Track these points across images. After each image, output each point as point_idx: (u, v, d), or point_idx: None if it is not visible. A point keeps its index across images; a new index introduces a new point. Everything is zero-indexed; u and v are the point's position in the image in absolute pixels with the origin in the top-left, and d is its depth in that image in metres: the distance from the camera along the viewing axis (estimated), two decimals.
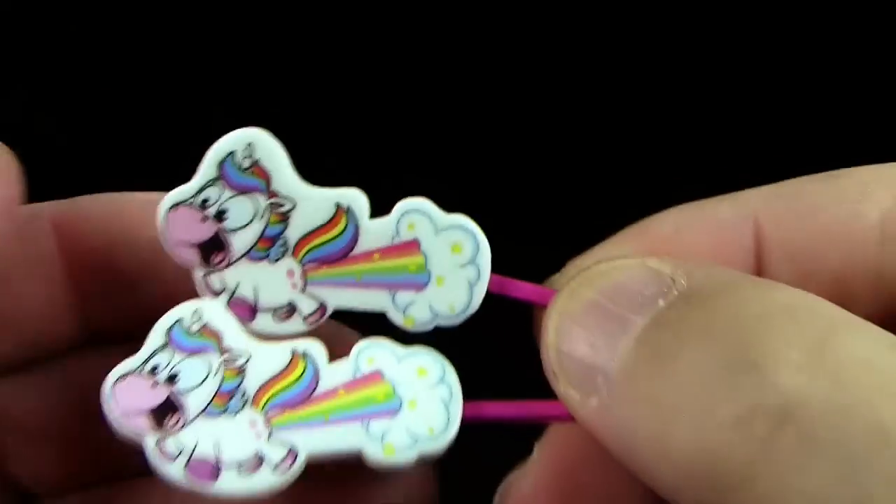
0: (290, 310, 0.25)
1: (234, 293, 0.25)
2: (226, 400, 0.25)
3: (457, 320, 0.25)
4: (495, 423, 0.26)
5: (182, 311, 0.25)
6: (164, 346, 0.25)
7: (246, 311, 0.25)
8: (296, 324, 0.25)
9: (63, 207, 0.27)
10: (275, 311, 0.25)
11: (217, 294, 0.25)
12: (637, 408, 0.21)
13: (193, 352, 0.25)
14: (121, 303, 0.27)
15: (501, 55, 0.33)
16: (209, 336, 0.25)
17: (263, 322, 0.25)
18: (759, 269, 0.25)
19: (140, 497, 0.28)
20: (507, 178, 0.33)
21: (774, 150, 0.32)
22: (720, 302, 0.21)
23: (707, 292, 0.22)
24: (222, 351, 0.25)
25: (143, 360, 0.25)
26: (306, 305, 0.25)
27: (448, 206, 0.25)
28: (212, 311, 0.25)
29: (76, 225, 0.27)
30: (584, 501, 0.25)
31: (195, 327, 0.25)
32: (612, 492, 0.25)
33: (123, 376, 0.25)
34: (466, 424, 0.25)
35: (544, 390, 0.26)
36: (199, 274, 0.25)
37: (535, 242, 0.29)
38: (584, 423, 0.22)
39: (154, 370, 0.25)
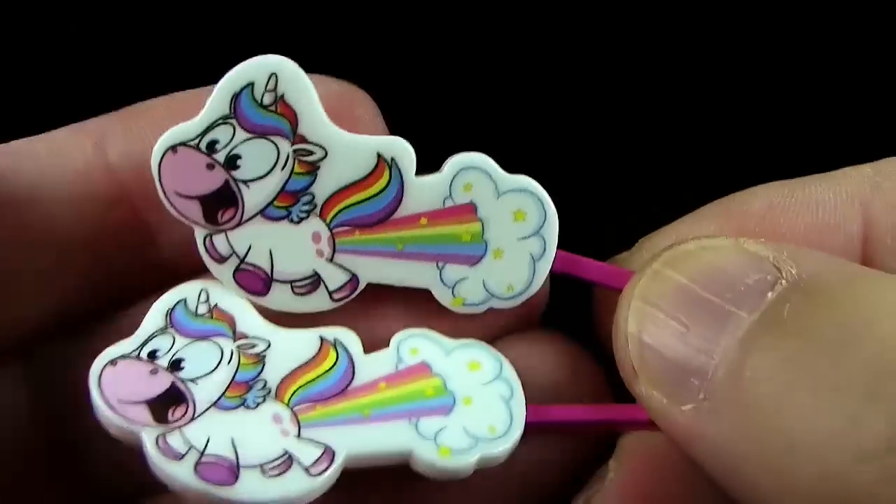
0: (314, 282, 0.21)
1: (243, 259, 0.20)
2: (243, 391, 0.20)
3: (513, 303, 0.21)
4: (561, 429, 0.22)
5: (185, 290, 0.21)
6: (163, 330, 0.20)
7: (258, 282, 0.21)
8: (320, 300, 0.21)
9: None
10: (294, 284, 0.21)
11: (223, 260, 0.20)
12: (747, 423, 0.17)
13: (201, 336, 0.20)
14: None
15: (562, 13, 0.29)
16: (219, 319, 0.20)
17: (279, 296, 0.21)
18: (865, 259, 0.22)
19: None
20: (560, 134, 0.28)
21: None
22: (847, 299, 0.17)
23: (828, 287, 0.18)
24: (236, 336, 0.20)
25: (139, 344, 0.20)
26: (334, 278, 0.21)
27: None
28: (222, 292, 0.21)
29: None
30: None
31: (202, 309, 0.20)
32: None
33: (114, 361, 0.20)
34: (529, 430, 0.21)
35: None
36: (200, 234, 0.20)
37: (591, 215, 0.25)
38: (673, 433, 0.19)
39: (153, 355, 0.20)
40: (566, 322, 0.23)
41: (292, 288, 0.21)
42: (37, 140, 0.21)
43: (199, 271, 0.21)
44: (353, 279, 0.21)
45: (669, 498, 0.21)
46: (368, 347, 0.21)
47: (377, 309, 0.21)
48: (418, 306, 0.21)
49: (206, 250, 0.20)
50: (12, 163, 0.21)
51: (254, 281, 0.21)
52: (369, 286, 0.21)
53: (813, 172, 0.22)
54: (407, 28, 0.28)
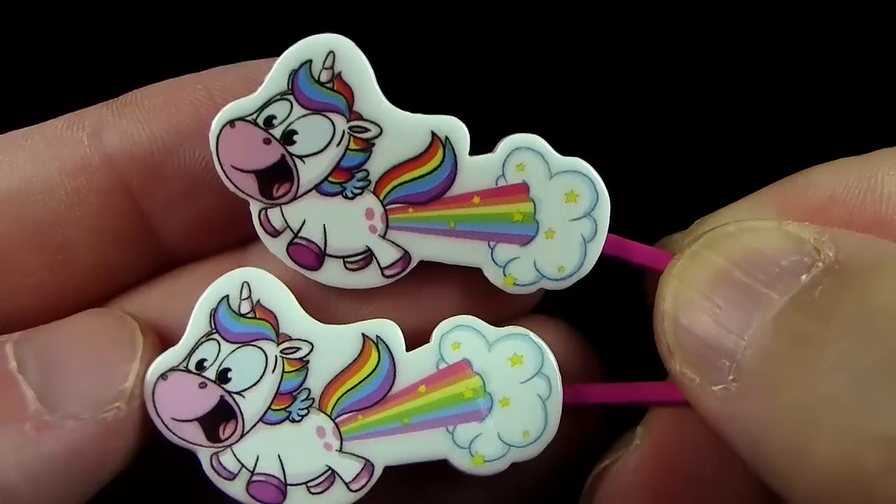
0: (367, 258, 0.21)
1: (297, 233, 0.21)
2: (288, 402, 0.21)
3: (564, 284, 0.21)
4: (598, 408, 0.22)
5: (227, 284, 0.21)
6: (209, 335, 0.20)
7: (311, 256, 0.21)
8: (372, 276, 0.21)
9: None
10: (347, 259, 0.21)
11: (277, 234, 0.21)
12: (772, 404, 0.17)
13: (245, 341, 0.20)
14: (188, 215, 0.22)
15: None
16: (263, 319, 0.21)
17: (331, 272, 0.21)
18: None
19: None
20: (616, 115, 0.28)
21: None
22: (879, 281, 0.17)
23: (861, 268, 0.18)
24: (280, 338, 0.21)
25: (187, 353, 0.20)
26: (386, 254, 0.21)
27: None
28: (263, 282, 0.21)
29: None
30: (692, 493, 0.21)
31: (245, 307, 0.20)
32: (724, 485, 0.21)
33: (165, 374, 0.20)
34: (567, 411, 0.21)
35: (644, 368, 0.22)
36: (256, 208, 0.21)
37: (643, 197, 0.25)
38: (702, 411, 0.19)
39: (201, 365, 0.20)
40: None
41: (345, 263, 0.21)
42: (32, 132, 0.21)
43: (198, 257, 0.21)
44: (405, 256, 0.21)
45: (691, 471, 0.21)
46: (416, 326, 0.21)
47: (428, 286, 0.22)
48: (469, 284, 0.22)
49: (261, 224, 0.21)
50: (8, 155, 0.21)
51: (307, 255, 0.21)
52: (421, 263, 0.21)
53: (873, 147, 0.22)
54: (466, 10, 0.28)
